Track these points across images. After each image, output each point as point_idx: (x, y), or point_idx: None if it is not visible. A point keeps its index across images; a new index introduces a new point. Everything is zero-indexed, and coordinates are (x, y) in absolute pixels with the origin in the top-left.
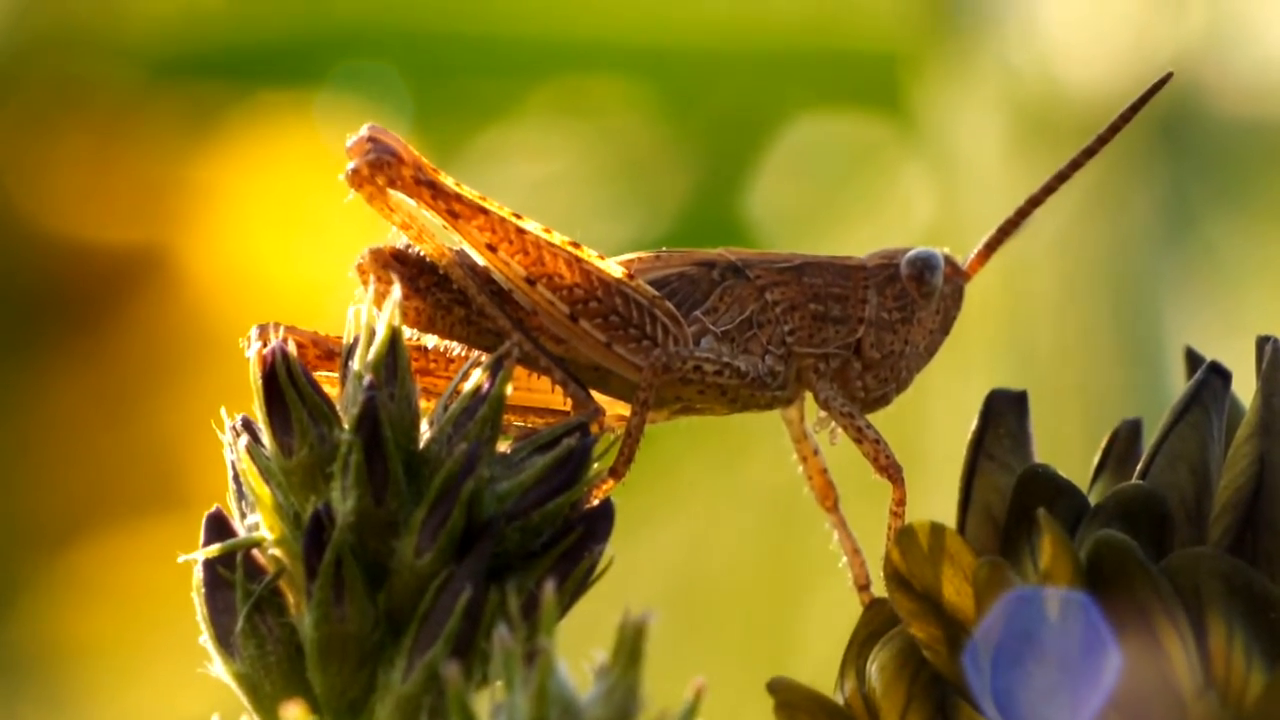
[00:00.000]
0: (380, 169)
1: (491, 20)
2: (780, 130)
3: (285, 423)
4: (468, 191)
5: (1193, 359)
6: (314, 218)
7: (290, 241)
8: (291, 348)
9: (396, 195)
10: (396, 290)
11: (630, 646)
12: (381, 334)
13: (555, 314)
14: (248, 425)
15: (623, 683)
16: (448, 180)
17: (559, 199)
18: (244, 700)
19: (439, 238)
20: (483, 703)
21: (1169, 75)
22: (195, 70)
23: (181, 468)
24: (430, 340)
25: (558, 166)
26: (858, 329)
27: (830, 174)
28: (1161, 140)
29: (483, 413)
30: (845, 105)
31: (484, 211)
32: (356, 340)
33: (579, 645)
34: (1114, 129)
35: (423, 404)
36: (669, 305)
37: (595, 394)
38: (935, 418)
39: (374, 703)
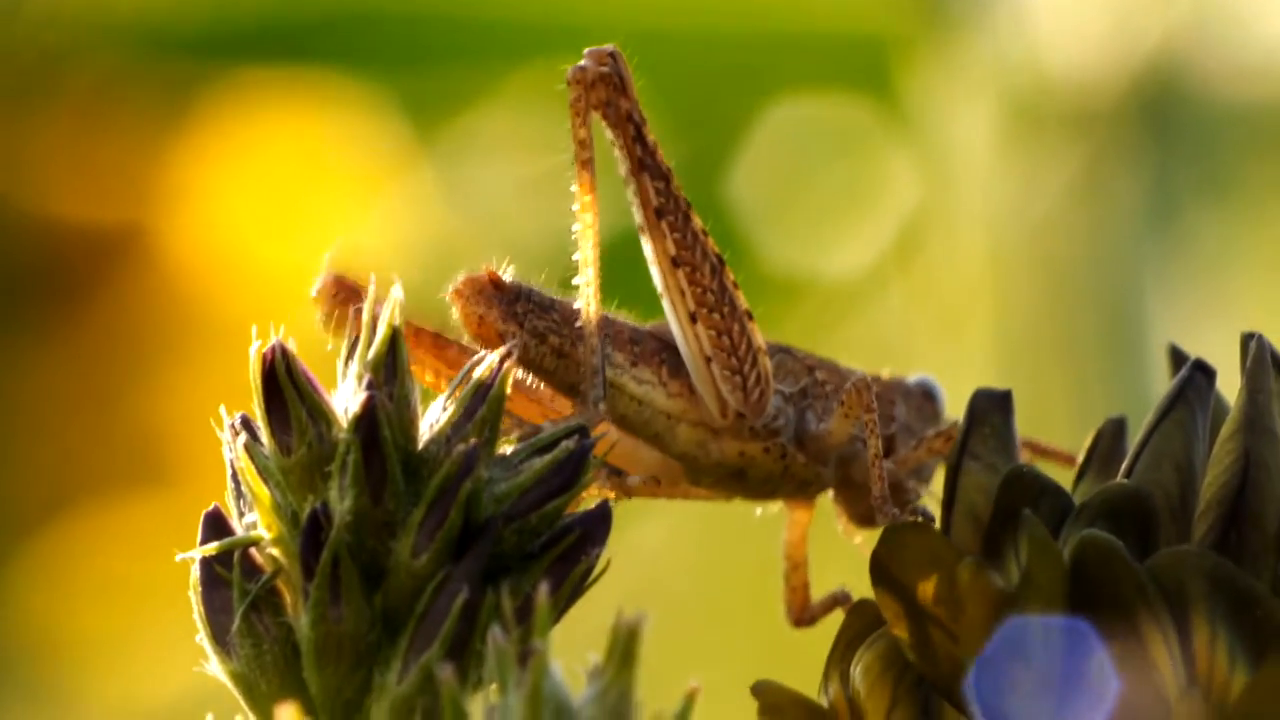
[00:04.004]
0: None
1: (472, 1)
2: (766, 113)
3: (284, 421)
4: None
5: (1177, 356)
6: (295, 197)
7: (272, 221)
8: (291, 346)
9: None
10: (397, 289)
11: (624, 648)
12: (381, 333)
13: (679, 305)
14: (246, 423)
15: (616, 685)
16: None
17: (540, 181)
18: (240, 699)
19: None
20: (477, 704)
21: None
22: (177, 49)
23: (162, 449)
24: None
25: (539, 149)
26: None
27: (816, 158)
28: (1146, 126)
29: (481, 414)
30: (832, 89)
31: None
32: (356, 340)
33: (577, 647)
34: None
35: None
36: (768, 362)
37: (627, 457)
38: None
39: (369, 703)
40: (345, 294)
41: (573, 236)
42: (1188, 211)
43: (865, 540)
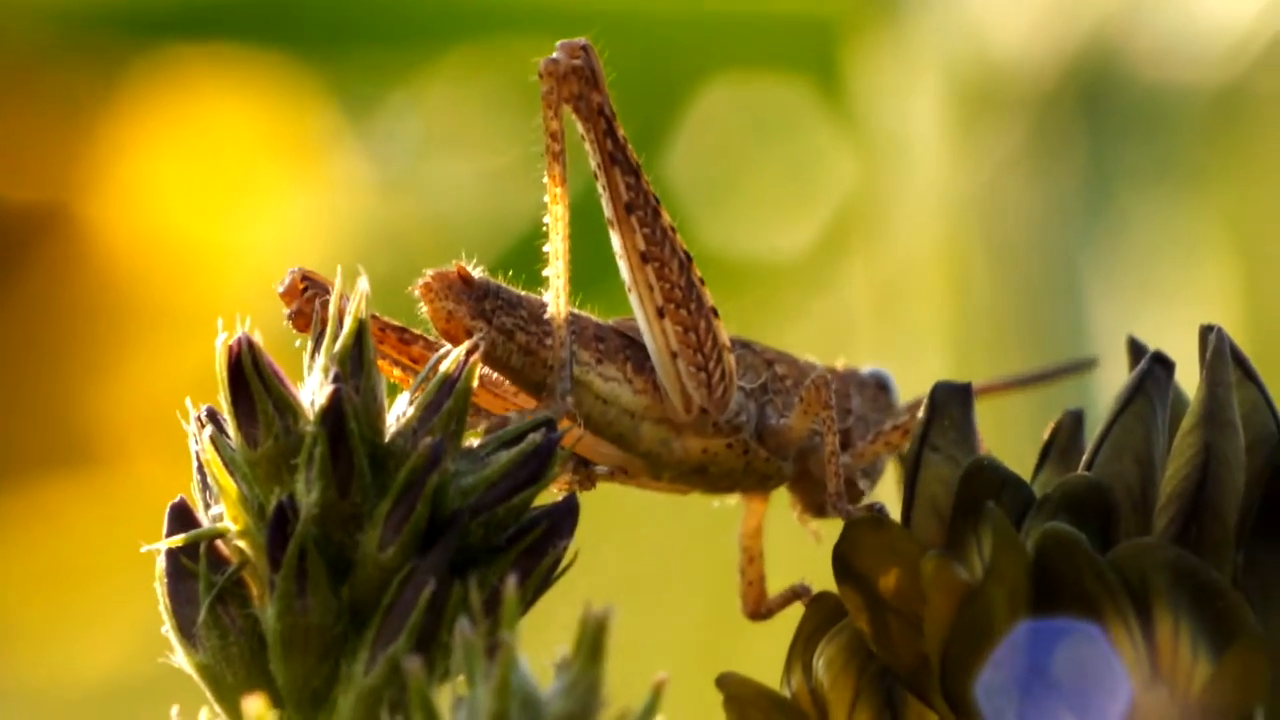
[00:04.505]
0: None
1: None
2: (712, 95)
3: (250, 414)
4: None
5: (1136, 348)
6: (224, 176)
7: (200, 201)
8: (257, 338)
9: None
10: (364, 282)
11: (592, 641)
12: (348, 326)
13: (647, 300)
14: (212, 416)
15: (584, 678)
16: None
17: (475, 159)
18: (206, 691)
19: None
20: (444, 697)
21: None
22: (104, 24)
23: (87, 427)
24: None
25: (474, 127)
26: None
27: (761, 138)
28: (1083, 109)
29: (448, 406)
30: (777, 70)
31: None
32: (323, 332)
33: (544, 640)
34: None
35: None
36: (732, 360)
37: (589, 452)
38: None
39: (336, 695)
40: (311, 290)
41: (543, 228)
42: (1122, 192)
43: (819, 528)
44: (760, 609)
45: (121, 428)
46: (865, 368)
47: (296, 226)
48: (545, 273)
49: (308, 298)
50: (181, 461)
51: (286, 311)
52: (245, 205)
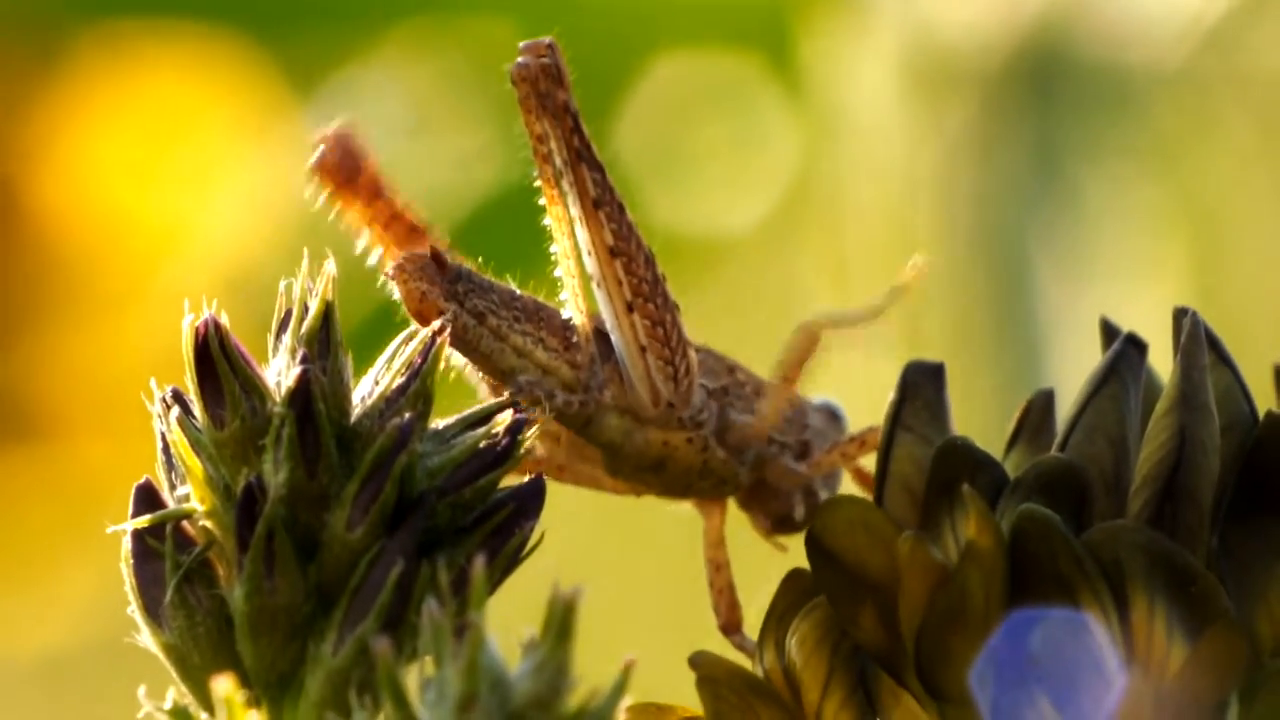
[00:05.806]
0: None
1: None
2: (660, 71)
3: (217, 395)
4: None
5: (1108, 330)
6: (168, 152)
7: (144, 176)
8: (224, 319)
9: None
10: (330, 265)
11: (560, 622)
12: (315, 307)
13: (616, 295)
14: (178, 397)
15: (552, 658)
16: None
17: (424, 137)
18: (172, 672)
19: None
20: (413, 677)
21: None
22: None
23: (28, 402)
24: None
25: (421, 105)
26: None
27: (710, 115)
28: (1032, 85)
29: (415, 388)
30: (728, 46)
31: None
32: (289, 314)
33: (511, 621)
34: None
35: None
36: (694, 357)
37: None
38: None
39: (304, 675)
40: (341, 151)
41: (547, 229)
42: (1073, 170)
43: (785, 540)
44: (734, 617)
45: (63, 402)
46: (816, 398)
47: (244, 204)
48: (556, 273)
49: (343, 173)
50: (125, 436)
51: (313, 156)
52: (192, 183)
